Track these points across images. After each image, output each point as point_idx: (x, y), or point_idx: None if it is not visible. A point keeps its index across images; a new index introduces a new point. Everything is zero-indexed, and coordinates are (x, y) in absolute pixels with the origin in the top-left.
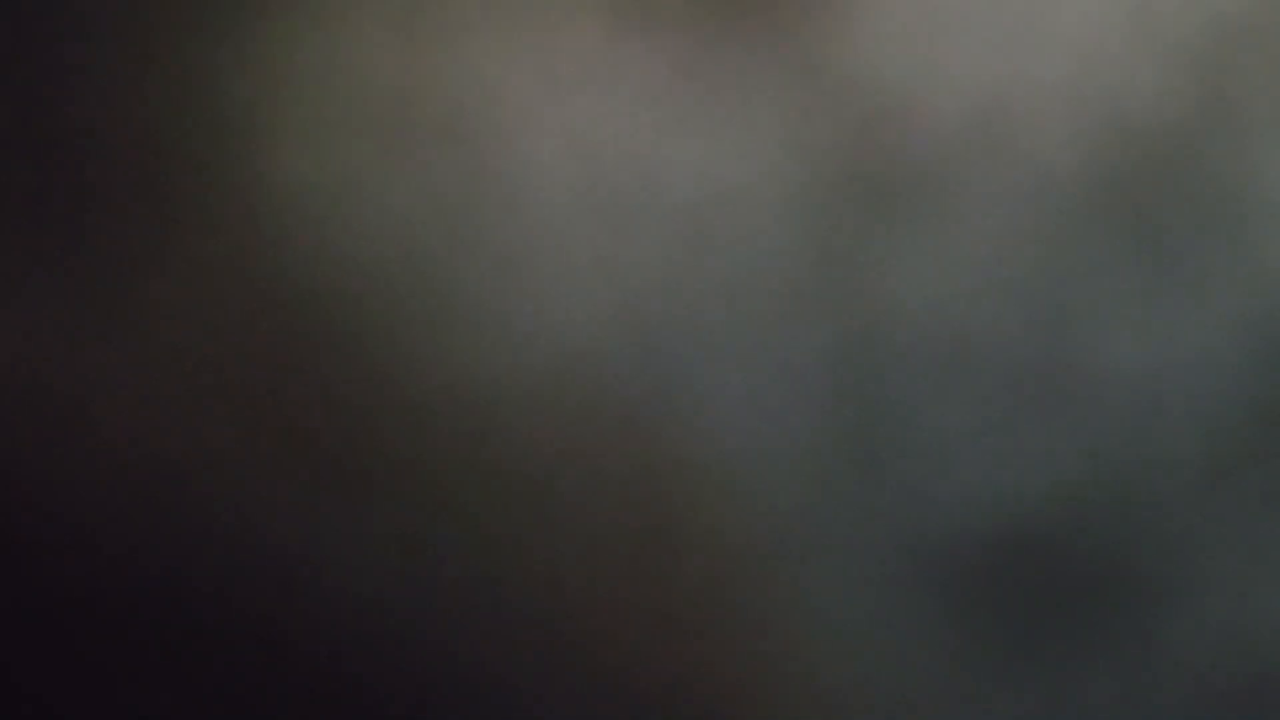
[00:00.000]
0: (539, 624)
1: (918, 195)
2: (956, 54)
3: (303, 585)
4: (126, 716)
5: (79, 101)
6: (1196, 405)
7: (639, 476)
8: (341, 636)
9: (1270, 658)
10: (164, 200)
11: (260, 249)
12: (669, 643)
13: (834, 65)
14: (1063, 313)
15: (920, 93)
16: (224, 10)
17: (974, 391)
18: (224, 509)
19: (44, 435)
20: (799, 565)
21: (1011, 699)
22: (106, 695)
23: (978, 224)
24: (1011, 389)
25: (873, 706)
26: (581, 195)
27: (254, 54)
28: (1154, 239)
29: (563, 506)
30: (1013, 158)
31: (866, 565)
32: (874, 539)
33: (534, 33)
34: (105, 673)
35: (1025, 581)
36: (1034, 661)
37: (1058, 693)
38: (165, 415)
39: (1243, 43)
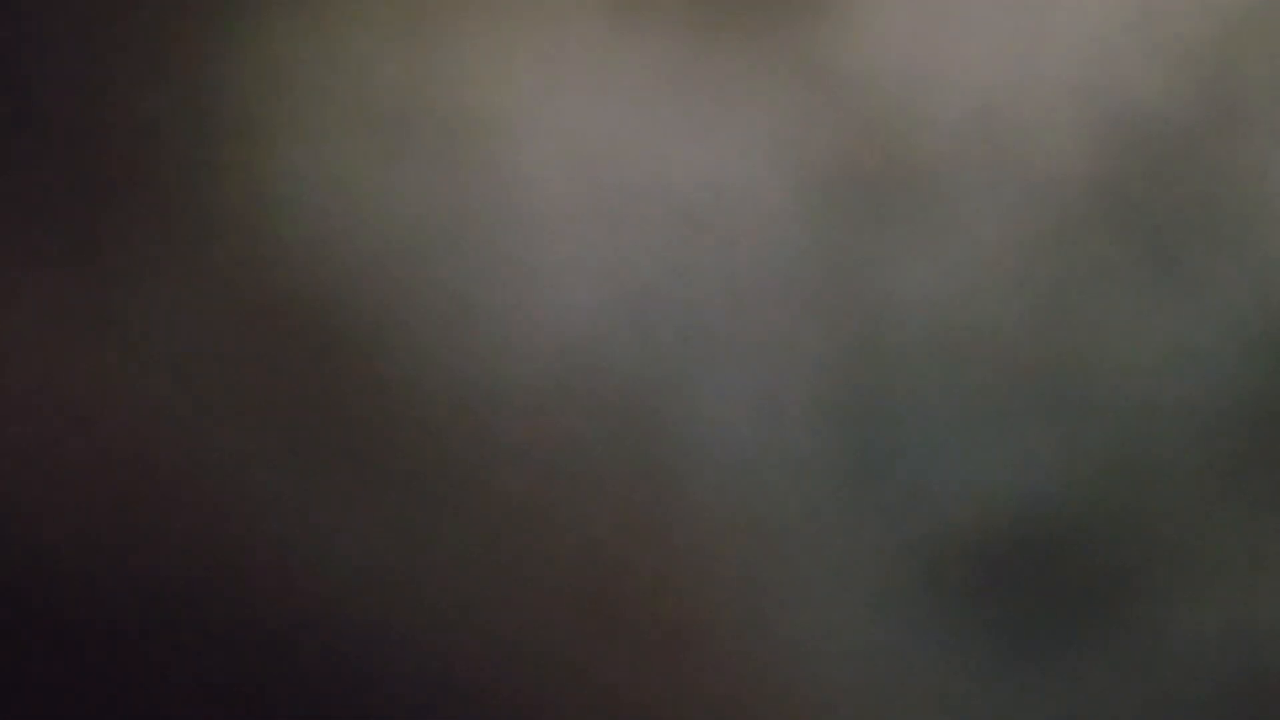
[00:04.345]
0: (538, 623)
1: (918, 195)
2: (957, 54)
3: (303, 584)
4: (127, 716)
5: (79, 101)
6: (1197, 405)
7: (639, 476)
8: (342, 635)
9: (1272, 658)
10: (164, 200)
11: (260, 248)
12: (668, 642)
13: (835, 65)
14: (1063, 313)
15: (921, 92)
16: (224, 10)
17: (974, 391)
18: (224, 508)
19: (44, 435)
20: (799, 564)
21: (1011, 699)
22: (107, 695)
23: (978, 224)
24: (1012, 389)
25: (872, 707)
26: (581, 195)
27: (254, 54)
28: (1155, 239)
29: (562, 506)
30: (1013, 157)
31: (866, 564)
32: (874, 538)
33: (534, 33)
34: (105, 673)
35: (1025, 581)
36: (1034, 661)
37: (1058, 693)
38: (165, 415)
39: (1246, 42)
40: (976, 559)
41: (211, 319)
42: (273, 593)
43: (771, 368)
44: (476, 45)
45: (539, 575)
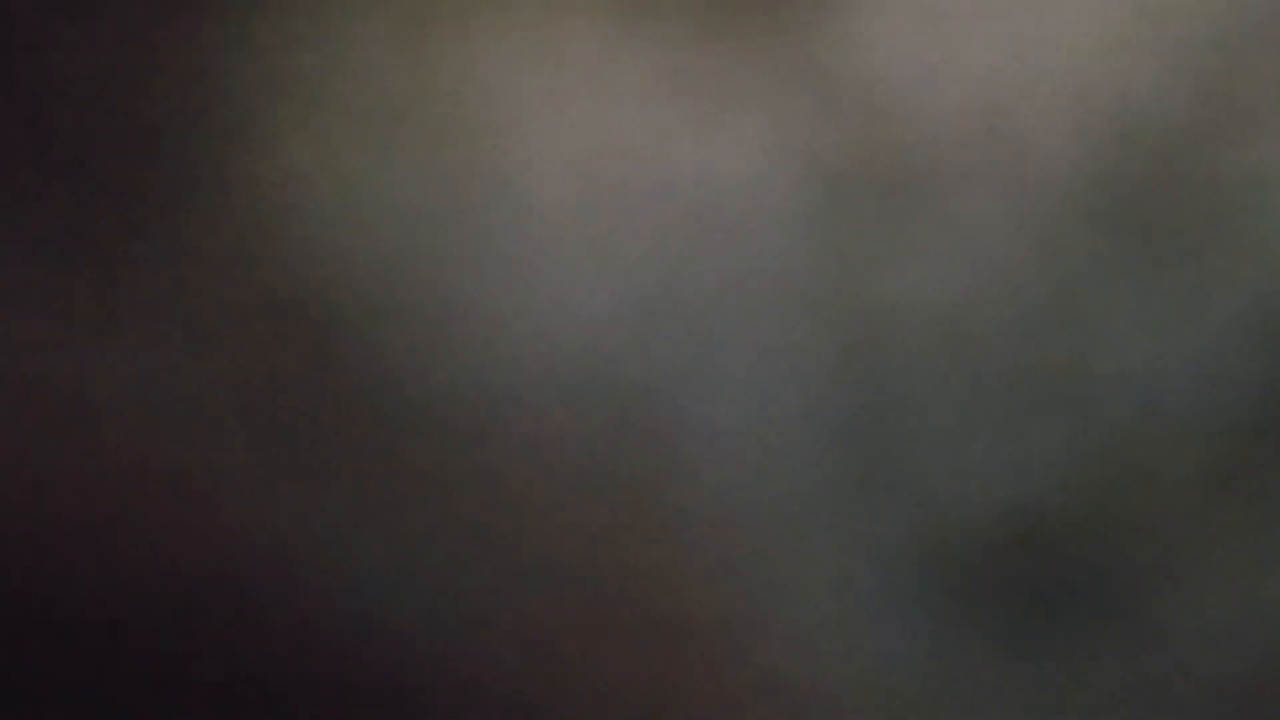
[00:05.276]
0: (540, 624)
1: (918, 195)
2: (958, 53)
3: (302, 583)
4: (127, 716)
5: (79, 101)
6: (1197, 405)
7: (639, 476)
8: (341, 634)
9: (1272, 659)
10: (164, 200)
11: (260, 248)
12: (668, 641)
13: (835, 64)
14: (1063, 313)
15: (921, 92)
16: (224, 9)
17: (975, 392)
18: (224, 508)
19: (44, 435)
20: (799, 565)
21: (1011, 698)
22: (107, 695)
23: (978, 224)
24: (1011, 389)
25: (873, 706)
26: (581, 195)
27: (254, 54)
28: (1155, 239)
29: (562, 506)
30: (1014, 157)
31: (866, 565)
32: (874, 539)
33: (534, 33)
34: (105, 673)
35: (1026, 581)
36: (1034, 661)
37: (1058, 692)
38: (165, 415)
39: (1246, 41)
40: (977, 559)
41: (211, 317)
42: (272, 592)
43: (772, 368)
44: (477, 45)
45: (539, 574)
